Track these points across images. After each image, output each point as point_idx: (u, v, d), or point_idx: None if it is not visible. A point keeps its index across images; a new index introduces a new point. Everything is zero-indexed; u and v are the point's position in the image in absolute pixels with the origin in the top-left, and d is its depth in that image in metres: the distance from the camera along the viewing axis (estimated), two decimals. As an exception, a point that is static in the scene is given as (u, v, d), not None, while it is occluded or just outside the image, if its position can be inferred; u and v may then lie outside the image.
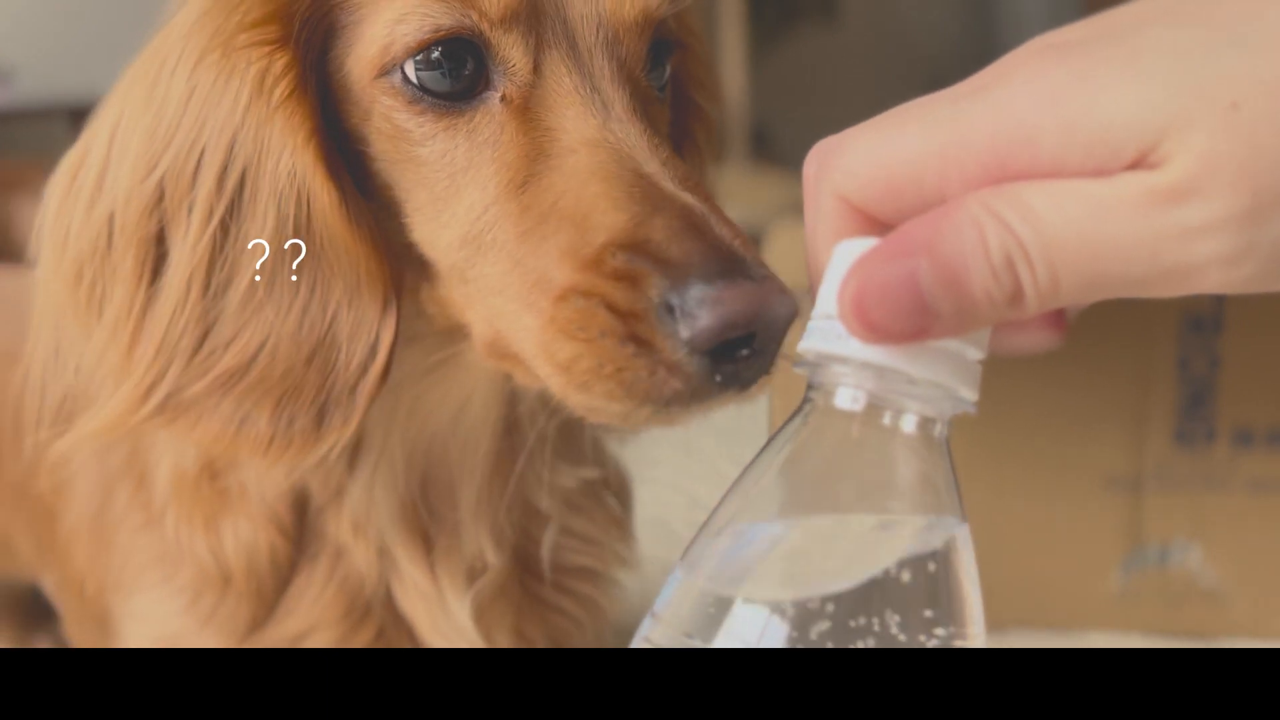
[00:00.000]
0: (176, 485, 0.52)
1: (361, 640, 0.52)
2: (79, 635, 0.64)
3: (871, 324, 0.31)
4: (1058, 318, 0.36)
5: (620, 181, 0.39)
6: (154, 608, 0.53)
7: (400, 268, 0.43)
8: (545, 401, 0.51)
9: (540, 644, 0.56)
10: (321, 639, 0.52)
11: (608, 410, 0.39)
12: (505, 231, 0.40)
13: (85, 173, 0.44)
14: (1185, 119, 0.28)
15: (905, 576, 0.32)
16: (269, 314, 0.42)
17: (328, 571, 0.52)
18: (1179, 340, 0.72)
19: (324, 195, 0.41)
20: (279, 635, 0.52)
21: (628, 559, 0.60)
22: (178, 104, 0.42)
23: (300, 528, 0.52)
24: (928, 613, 0.32)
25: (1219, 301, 0.71)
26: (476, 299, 0.42)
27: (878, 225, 0.33)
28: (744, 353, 0.37)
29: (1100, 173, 0.29)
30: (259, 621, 0.52)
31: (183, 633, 0.53)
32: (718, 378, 0.37)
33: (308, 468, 0.49)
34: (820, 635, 0.31)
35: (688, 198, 0.38)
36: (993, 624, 0.77)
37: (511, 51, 0.41)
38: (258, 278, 0.41)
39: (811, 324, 0.33)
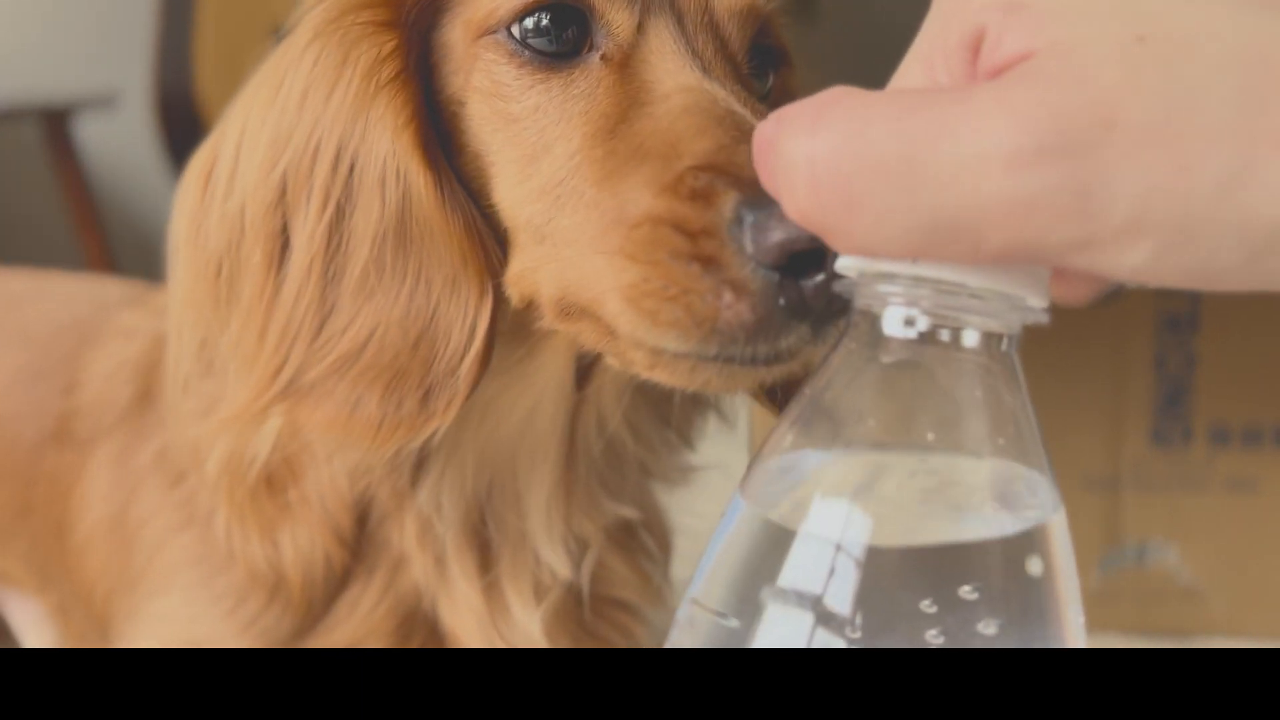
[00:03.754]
0: (231, 491, 0.51)
1: None
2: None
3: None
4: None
5: (711, 116, 0.39)
6: (183, 609, 0.53)
7: (491, 252, 0.44)
8: (601, 412, 0.50)
9: None
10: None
11: (673, 351, 0.38)
12: (585, 179, 0.41)
13: (217, 173, 0.45)
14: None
15: (992, 556, 0.29)
16: (379, 300, 0.43)
17: (384, 584, 0.51)
18: (1155, 339, 0.73)
19: (420, 177, 0.42)
20: (322, 646, 0.51)
21: (661, 597, 0.59)
22: (298, 98, 0.43)
23: (360, 538, 0.51)
24: (1018, 595, 0.29)
25: (1195, 300, 0.72)
26: (549, 258, 0.42)
27: None
28: (814, 278, 0.35)
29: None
30: (304, 630, 0.52)
31: (215, 638, 0.52)
32: (782, 300, 0.36)
33: (377, 476, 0.49)
34: (891, 590, 0.28)
35: None
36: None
37: (617, 15, 0.42)
38: (368, 264, 0.43)
39: None
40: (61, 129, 1.88)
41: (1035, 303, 0.30)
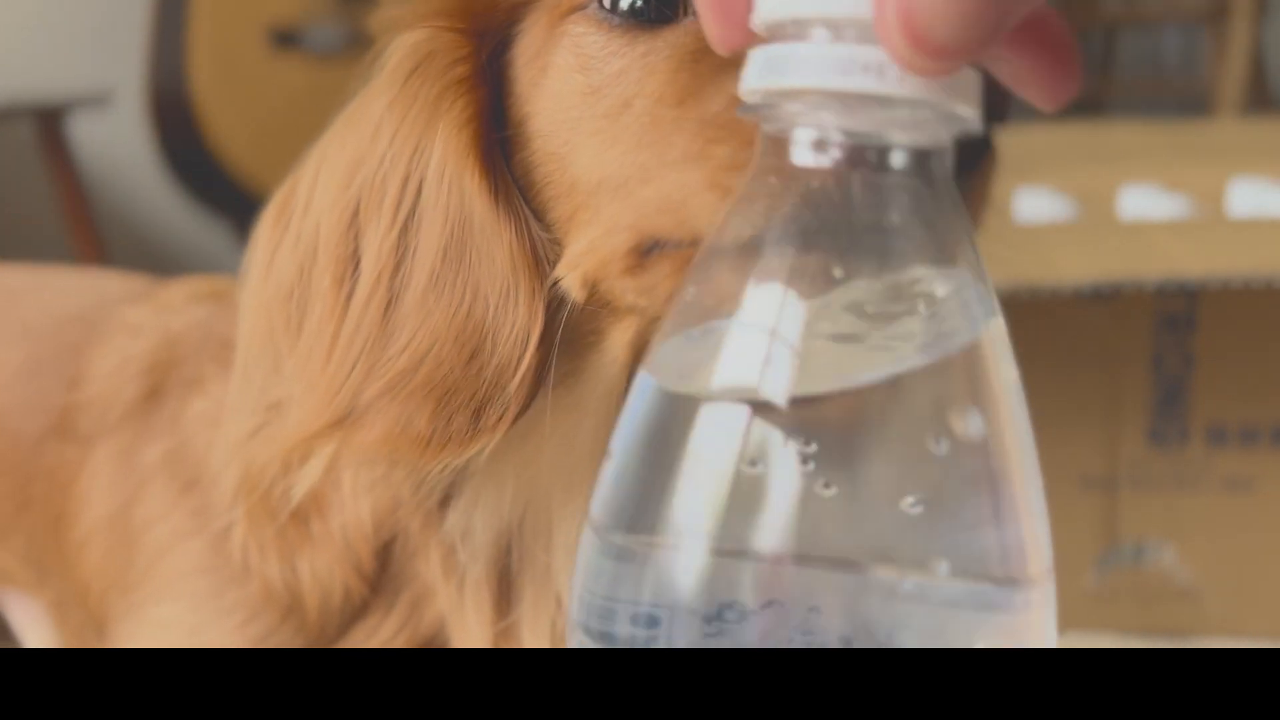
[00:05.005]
0: (254, 515, 0.50)
1: None
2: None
3: (926, 42, 0.25)
4: (1064, 57, 0.31)
5: None
6: (188, 618, 0.52)
7: (543, 260, 0.43)
8: None
9: None
10: None
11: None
12: (668, 105, 0.40)
13: (294, 204, 0.46)
14: None
15: (937, 368, 0.27)
16: (437, 316, 0.43)
17: (403, 618, 0.51)
18: (1153, 339, 0.73)
19: (474, 179, 0.42)
20: None
21: None
22: (375, 119, 0.43)
23: (381, 575, 0.51)
24: (963, 406, 0.27)
25: (1193, 301, 0.72)
26: (628, 206, 0.41)
27: None
28: None
29: None
30: None
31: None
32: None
33: (406, 509, 0.49)
34: (829, 443, 0.26)
35: None
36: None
37: None
38: (429, 280, 0.42)
39: (754, 52, 0.27)
40: (55, 128, 1.88)
41: (964, 111, 0.27)
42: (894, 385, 0.27)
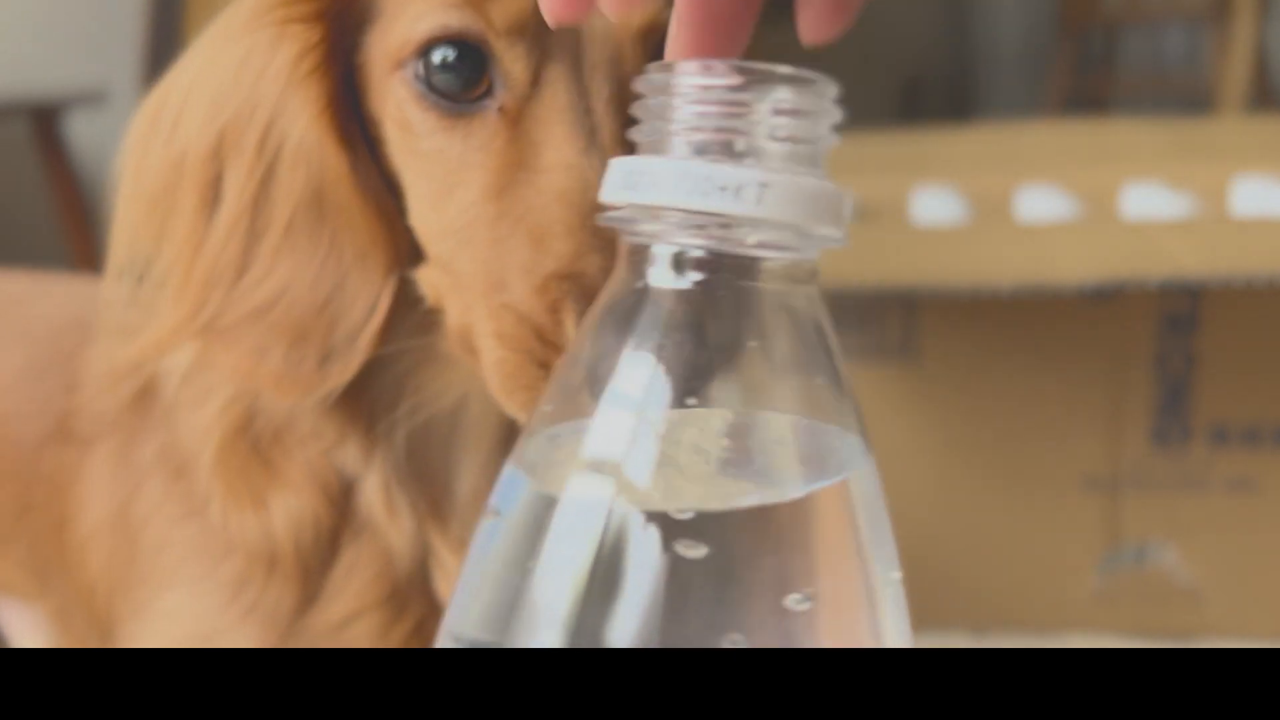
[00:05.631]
0: (220, 463, 0.52)
1: (401, 629, 0.52)
2: None
3: None
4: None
5: (580, 211, 0.41)
6: (190, 604, 0.53)
7: (401, 237, 0.47)
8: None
9: None
10: (363, 627, 0.52)
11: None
12: (481, 233, 0.43)
13: (163, 116, 0.49)
14: None
15: (792, 510, 0.26)
16: (294, 260, 0.46)
17: (371, 551, 0.52)
18: (1155, 339, 0.72)
19: (335, 165, 0.45)
20: (322, 623, 0.52)
21: None
22: (235, 68, 0.47)
23: (345, 499, 0.53)
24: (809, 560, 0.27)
25: (1195, 300, 0.71)
26: (454, 290, 0.45)
27: None
28: None
29: None
30: (303, 607, 0.52)
31: (221, 630, 0.52)
32: None
33: (337, 447, 0.51)
34: (681, 556, 0.25)
35: None
36: (971, 625, 0.78)
37: (514, 64, 0.43)
38: (287, 226, 0.46)
39: (615, 162, 0.27)
40: (50, 126, 1.88)
41: (828, 230, 0.26)
42: (735, 518, 0.26)
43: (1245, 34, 2.34)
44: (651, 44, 0.44)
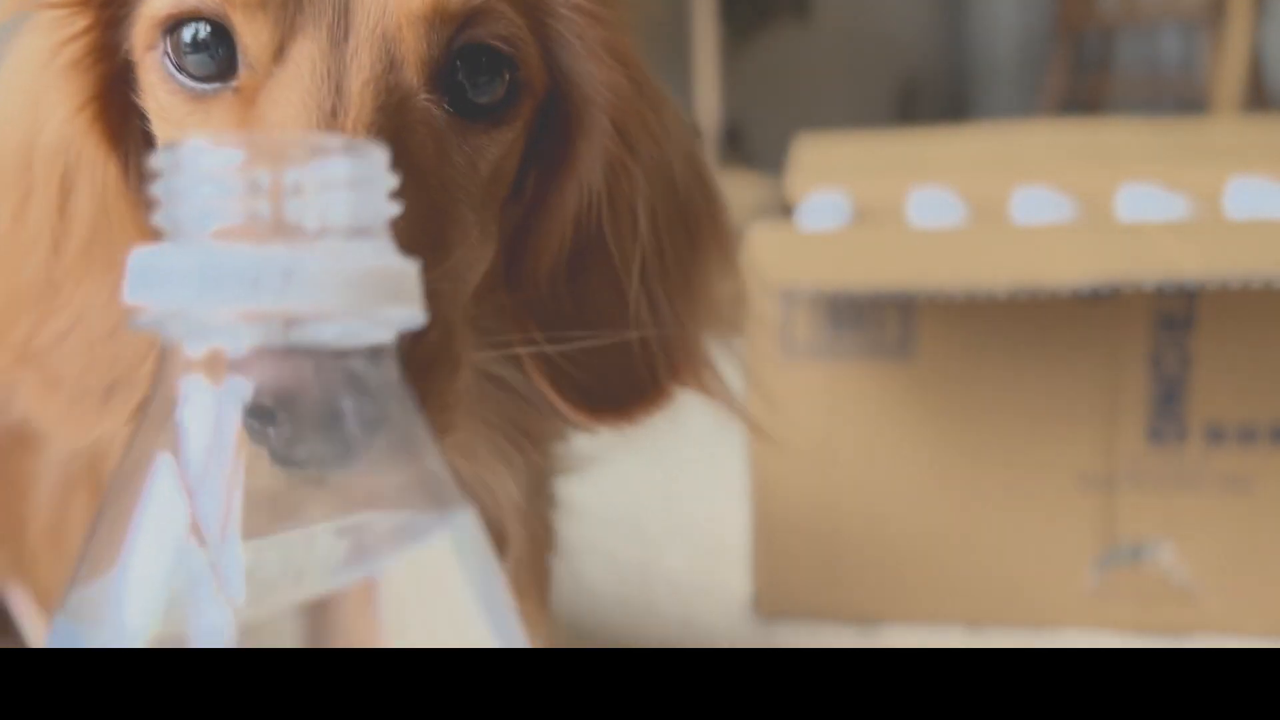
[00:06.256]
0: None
1: None
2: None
3: None
4: None
5: None
6: None
7: None
8: None
9: None
10: None
11: None
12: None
13: None
14: None
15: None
16: (89, 283, 0.42)
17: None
18: (1151, 338, 0.73)
19: (103, 169, 0.41)
20: None
21: None
22: (15, 65, 0.43)
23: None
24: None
25: (1190, 299, 0.72)
26: None
27: None
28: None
29: None
30: None
31: None
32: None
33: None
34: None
35: None
36: (967, 623, 0.78)
37: (253, 40, 0.38)
38: (81, 247, 0.42)
39: (135, 254, 0.24)
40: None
41: (389, 309, 0.23)
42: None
43: (1241, 36, 2.34)
44: (440, 29, 0.39)
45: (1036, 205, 0.77)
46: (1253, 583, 0.74)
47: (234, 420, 0.23)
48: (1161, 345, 0.72)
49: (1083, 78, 3.02)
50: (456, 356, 0.37)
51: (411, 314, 0.24)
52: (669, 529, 0.95)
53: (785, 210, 0.84)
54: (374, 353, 0.24)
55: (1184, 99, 2.94)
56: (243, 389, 0.23)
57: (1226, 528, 0.74)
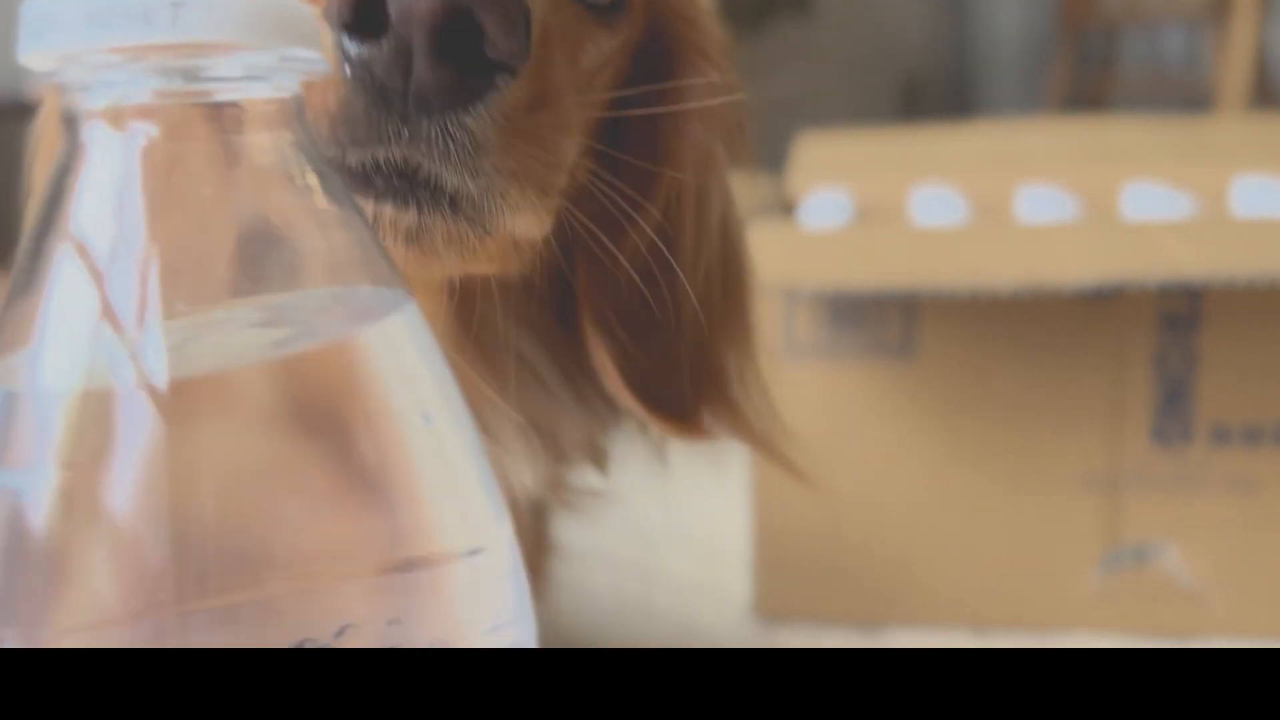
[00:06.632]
0: None
1: None
2: None
3: None
4: None
5: None
6: None
7: None
8: None
9: None
10: None
11: None
12: None
13: None
14: None
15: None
16: None
17: None
18: (1155, 338, 0.72)
19: None
20: None
21: None
22: None
23: None
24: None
25: (1195, 298, 0.71)
26: None
27: None
28: (368, 41, 0.28)
29: None
30: None
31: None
32: (358, 80, 0.29)
33: None
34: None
35: None
36: (971, 625, 0.77)
37: None
38: None
39: (26, 7, 0.22)
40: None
41: (287, 48, 0.22)
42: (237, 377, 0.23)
43: (1245, 34, 2.33)
44: None
45: (1040, 204, 0.77)
46: (1258, 584, 0.74)
47: (137, 174, 0.22)
48: (1166, 345, 0.72)
49: (1086, 75, 3.02)
50: (567, 115, 0.36)
51: (313, 56, 0.23)
52: (669, 531, 0.94)
53: (786, 209, 0.84)
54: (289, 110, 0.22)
55: (1188, 97, 2.94)
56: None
57: (1232, 529, 0.73)
